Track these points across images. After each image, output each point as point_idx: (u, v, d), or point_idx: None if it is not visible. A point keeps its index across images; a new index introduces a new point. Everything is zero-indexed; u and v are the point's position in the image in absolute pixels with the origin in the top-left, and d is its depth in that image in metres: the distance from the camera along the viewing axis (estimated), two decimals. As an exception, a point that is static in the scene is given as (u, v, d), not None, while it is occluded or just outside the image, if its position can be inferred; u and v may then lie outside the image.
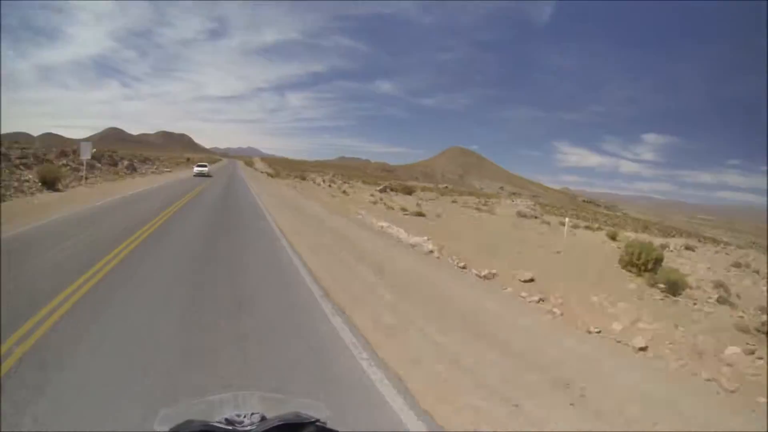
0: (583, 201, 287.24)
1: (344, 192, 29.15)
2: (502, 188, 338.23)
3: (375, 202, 22.49)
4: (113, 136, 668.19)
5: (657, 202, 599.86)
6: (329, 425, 0.85)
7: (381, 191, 31.32)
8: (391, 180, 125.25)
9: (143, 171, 33.28)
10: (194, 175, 32.83)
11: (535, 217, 25.45)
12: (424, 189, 56.63)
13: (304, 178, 41.26)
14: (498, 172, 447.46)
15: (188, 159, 78.45)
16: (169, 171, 39.97)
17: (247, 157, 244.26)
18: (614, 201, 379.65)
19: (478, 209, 28.43)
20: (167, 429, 0.81)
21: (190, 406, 0.92)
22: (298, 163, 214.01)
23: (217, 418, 0.84)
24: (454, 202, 36.72)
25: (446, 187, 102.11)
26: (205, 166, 36.50)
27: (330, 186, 36.07)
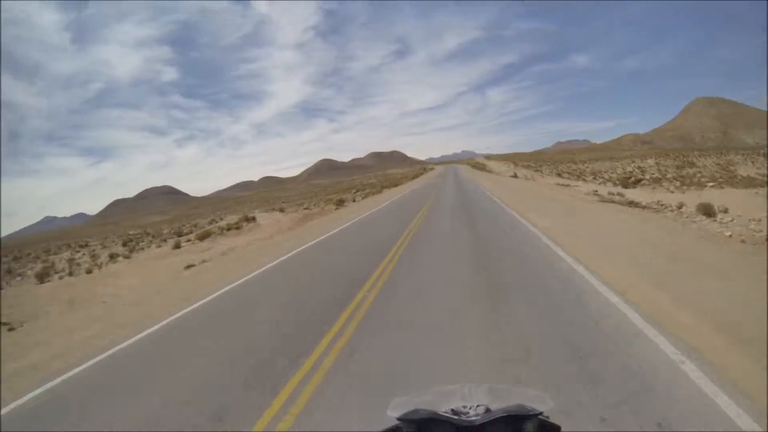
0: None
1: None
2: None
3: None
4: (326, 167, 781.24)
5: None
6: (552, 419, 0.88)
7: None
8: (657, 154, 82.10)
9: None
10: None
11: None
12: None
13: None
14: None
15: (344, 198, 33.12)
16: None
17: (466, 160, 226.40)
18: None
19: None
20: (397, 415, 0.88)
21: (419, 396, 0.96)
22: (524, 156, 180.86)
23: (443, 409, 0.87)
24: None
25: None
26: None
27: None
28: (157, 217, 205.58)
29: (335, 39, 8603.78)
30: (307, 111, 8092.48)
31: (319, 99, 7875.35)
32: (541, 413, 0.83)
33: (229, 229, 20.81)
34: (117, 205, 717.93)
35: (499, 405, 0.85)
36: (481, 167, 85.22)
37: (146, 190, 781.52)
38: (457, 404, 0.88)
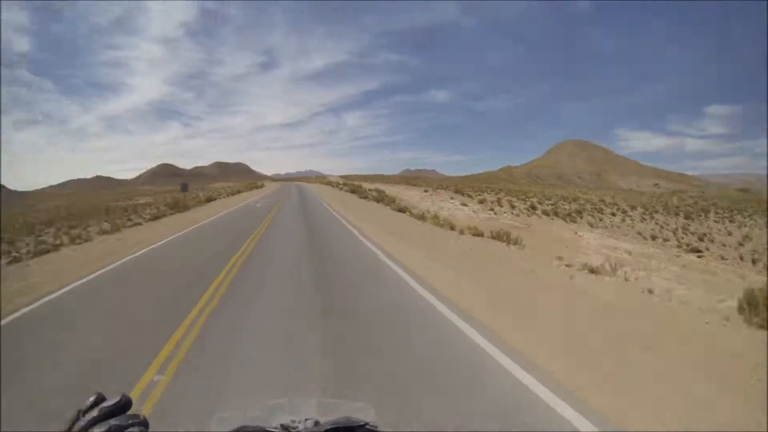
0: (738, 189, 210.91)
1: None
2: (657, 185, 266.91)
3: None
4: (165, 172, 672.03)
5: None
6: (380, 428, 0.89)
7: None
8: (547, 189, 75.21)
9: None
10: None
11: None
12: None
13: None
14: (637, 168, 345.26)
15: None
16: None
17: (313, 178, 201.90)
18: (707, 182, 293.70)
19: None
20: None
21: (246, 411, 0.93)
22: (364, 178, 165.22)
23: (272, 424, 0.86)
24: None
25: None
26: None
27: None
28: None
29: (205, 41, 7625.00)
30: (163, 111, 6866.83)
31: (178, 101, 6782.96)
32: (367, 423, 0.85)
33: None
34: None
35: (328, 418, 0.86)
36: (357, 189, 41.54)
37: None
38: (285, 419, 0.86)
